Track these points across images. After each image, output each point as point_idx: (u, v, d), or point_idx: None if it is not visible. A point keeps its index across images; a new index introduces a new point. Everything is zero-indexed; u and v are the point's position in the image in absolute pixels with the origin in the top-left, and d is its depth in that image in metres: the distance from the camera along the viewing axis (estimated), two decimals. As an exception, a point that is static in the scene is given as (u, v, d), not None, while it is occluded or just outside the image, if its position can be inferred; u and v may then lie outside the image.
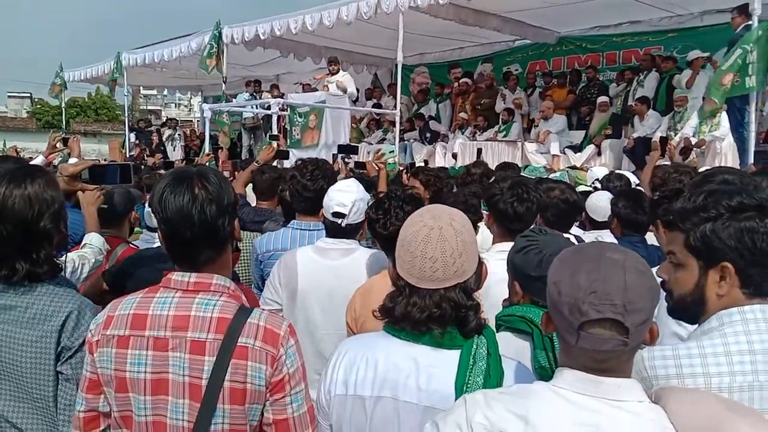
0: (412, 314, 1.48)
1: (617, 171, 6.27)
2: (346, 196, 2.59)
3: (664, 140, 7.08)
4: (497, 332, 1.86)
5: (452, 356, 1.47)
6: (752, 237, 1.45)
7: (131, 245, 3.14)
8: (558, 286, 1.20)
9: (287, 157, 7.13)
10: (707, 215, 1.49)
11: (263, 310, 1.56)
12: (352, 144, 7.62)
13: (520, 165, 8.77)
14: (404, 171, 6.07)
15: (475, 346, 1.48)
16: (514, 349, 1.81)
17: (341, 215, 2.58)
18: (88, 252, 2.42)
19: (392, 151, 4.98)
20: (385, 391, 1.50)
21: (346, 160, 7.41)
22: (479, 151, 9.61)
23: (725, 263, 1.48)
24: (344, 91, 10.55)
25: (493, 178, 4.93)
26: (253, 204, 4.32)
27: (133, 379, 1.49)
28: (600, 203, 3.80)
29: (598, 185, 5.35)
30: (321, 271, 2.60)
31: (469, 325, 1.49)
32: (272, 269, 2.74)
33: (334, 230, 2.64)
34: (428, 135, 11.82)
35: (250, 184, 4.53)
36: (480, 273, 1.57)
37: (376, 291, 2.23)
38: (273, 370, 1.48)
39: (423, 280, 1.48)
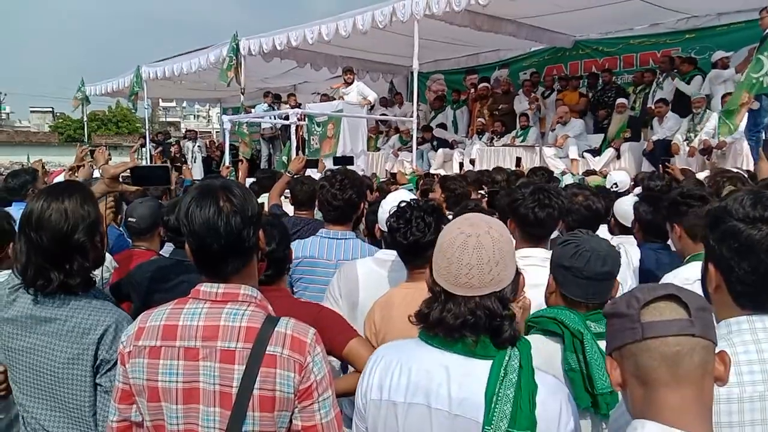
0: (446, 320, 1.49)
1: (656, 172, 6.15)
2: None
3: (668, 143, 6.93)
4: (528, 334, 1.87)
5: (484, 366, 1.47)
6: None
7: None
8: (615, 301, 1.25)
9: (317, 166, 7.24)
10: None
11: (289, 318, 1.59)
12: (347, 156, 7.74)
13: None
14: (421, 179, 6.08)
15: (507, 358, 1.47)
16: (545, 351, 1.82)
17: None
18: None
19: (411, 189, 5.01)
20: (417, 397, 1.51)
21: None
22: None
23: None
24: (364, 98, 10.65)
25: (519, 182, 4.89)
26: (291, 214, 4.28)
27: (165, 389, 1.52)
28: (625, 206, 3.76)
29: (619, 190, 5.30)
30: (382, 282, 2.58)
31: (503, 335, 1.48)
32: (332, 280, 2.73)
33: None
34: (435, 144, 11.87)
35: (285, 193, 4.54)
36: (517, 283, 1.56)
37: (396, 304, 2.22)
38: (301, 378, 1.50)
39: (458, 286, 1.49)
